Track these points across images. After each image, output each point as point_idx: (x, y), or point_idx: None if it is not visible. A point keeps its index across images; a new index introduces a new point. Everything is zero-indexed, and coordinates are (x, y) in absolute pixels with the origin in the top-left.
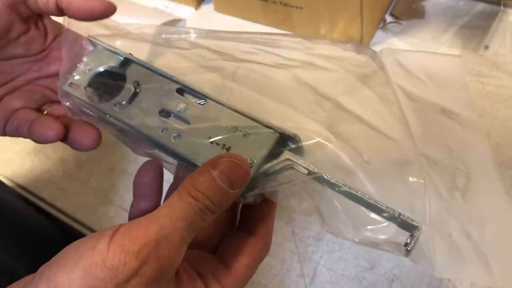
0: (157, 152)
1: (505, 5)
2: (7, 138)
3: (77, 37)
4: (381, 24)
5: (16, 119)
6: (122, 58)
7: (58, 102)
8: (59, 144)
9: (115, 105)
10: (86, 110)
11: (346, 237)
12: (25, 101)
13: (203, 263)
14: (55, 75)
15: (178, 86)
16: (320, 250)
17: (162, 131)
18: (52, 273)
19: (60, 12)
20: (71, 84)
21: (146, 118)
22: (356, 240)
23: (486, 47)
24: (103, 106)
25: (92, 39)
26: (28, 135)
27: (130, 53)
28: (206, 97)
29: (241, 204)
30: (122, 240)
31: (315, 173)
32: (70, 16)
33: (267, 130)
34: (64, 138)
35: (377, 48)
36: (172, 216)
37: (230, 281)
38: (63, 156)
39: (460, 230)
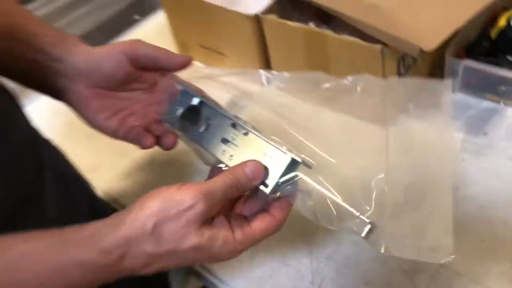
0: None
1: (504, 103)
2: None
3: (171, 80)
4: (405, 108)
5: (132, 133)
6: (198, 100)
7: (160, 121)
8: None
9: (196, 131)
10: (177, 132)
11: (330, 227)
12: (140, 120)
13: (233, 216)
14: (160, 102)
15: (232, 121)
16: (329, 267)
17: (222, 153)
18: (142, 201)
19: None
20: (168, 117)
21: (214, 143)
22: (336, 228)
23: (485, 134)
24: (188, 132)
25: (179, 83)
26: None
27: (203, 96)
28: (248, 130)
29: None
30: (186, 188)
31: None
32: (161, 70)
33: (283, 154)
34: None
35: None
36: (217, 183)
37: (249, 232)
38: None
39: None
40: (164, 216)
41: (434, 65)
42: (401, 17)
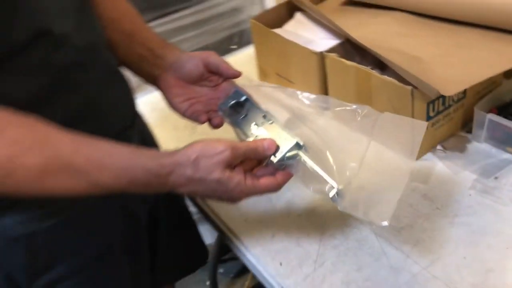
0: None
1: None
2: None
3: (230, 84)
4: (432, 148)
5: (195, 113)
6: (244, 97)
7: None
8: None
9: (238, 118)
10: (227, 119)
11: (309, 187)
12: (202, 107)
13: (249, 173)
14: (219, 97)
15: (263, 113)
16: (332, 253)
17: (252, 133)
18: (191, 144)
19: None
20: (222, 107)
21: (247, 126)
22: (313, 190)
23: (496, 178)
24: (233, 118)
25: (235, 86)
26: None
27: (249, 95)
28: (273, 120)
29: None
30: (221, 140)
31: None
32: (222, 75)
33: (292, 139)
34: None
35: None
36: (242, 144)
37: (256, 183)
38: None
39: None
40: (203, 154)
41: (467, 116)
42: (435, 68)
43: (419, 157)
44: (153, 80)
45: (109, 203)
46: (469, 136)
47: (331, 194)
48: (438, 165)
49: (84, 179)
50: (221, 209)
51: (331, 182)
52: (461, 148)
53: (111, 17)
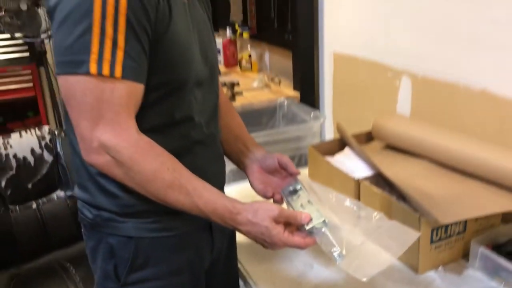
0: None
1: (504, 285)
2: None
3: (293, 177)
4: (435, 268)
5: (266, 194)
6: (299, 186)
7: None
8: None
9: (292, 199)
10: (285, 199)
11: (323, 249)
12: (271, 190)
13: (288, 229)
14: (285, 185)
15: (308, 199)
16: (320, 273)
17: (297, 205)
18: (255, 202)
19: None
20: (284, 191)
21: (297, 204)
22: (324, 250)
23: None
24: (288, 198)
25: (295, 179)
26: (265, 197)
27: (303, 185)
28: (311, 201)
29: None
30: (273, 204)
31: None
32: (287, 171)
33: (321, 217)
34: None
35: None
36: (288, 210)
37: (290, 238)
38: None
39: None
40: (262, 207)
41: (466, 249)
42: (442, 204)
43: (422, 272)
44: (243, 166)
45: (200, 237)
46: (466, 263)
47: (335, 254)
48: (437, 282)
49: (190, 200)
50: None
51: (337, 247)
52: (458, 272)
53: (226, 122)
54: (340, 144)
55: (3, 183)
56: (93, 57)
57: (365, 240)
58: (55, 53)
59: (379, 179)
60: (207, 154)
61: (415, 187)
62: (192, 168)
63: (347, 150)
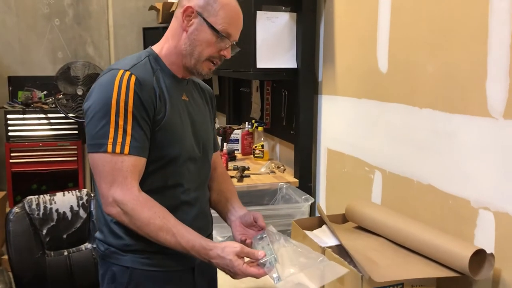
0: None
1: None
2: None
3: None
4: None
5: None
6: (264, 235)
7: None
8: None
9: (257, 244)
10: (254, 244)
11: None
12: (248, 238)
13: (247, 262)
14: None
15: (268, 243)
16: None
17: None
18: (223, 242)
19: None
20: (254, 239)
21: (260, 247)
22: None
23: None
24: (255, 243)
25: (267, 230)
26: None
27: (266, 235)
28: (271, 246)
29: None
30: (238, 243)
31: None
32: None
33: (272, 254)
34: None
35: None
36: (248, 248)
37: (248, 269)
38: None
39: None
40: (228, 245)
41: None
42: (383, 268)
43: None
44: (229, 222)
45: (183, 276)
46: None
47: (275, 277)
48: None
49: (175, 239)
50: None
51: (278, 273)
52: None
53: (220, 188)
54: (320, 221)
55: (44, 231)
56: (110, 141)
57: (299, 271)
58: (86, 138)
59: (341, 248)
60: (192, 212)
61: (366, 256)
62: (180, 221)
63: (324, 227)
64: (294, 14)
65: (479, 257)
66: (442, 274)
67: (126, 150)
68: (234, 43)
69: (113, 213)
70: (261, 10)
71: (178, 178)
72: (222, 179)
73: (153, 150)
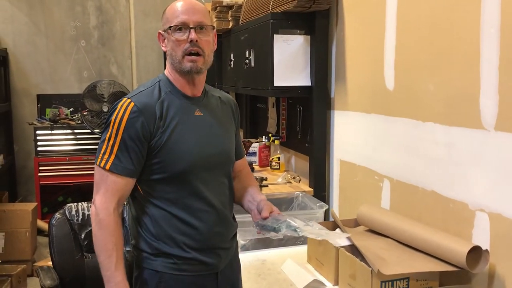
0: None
1: None
2: None
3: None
4: None
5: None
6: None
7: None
8: None
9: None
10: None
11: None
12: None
13: None
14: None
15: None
16: None
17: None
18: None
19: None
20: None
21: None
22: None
23: None
24: (259, 225)
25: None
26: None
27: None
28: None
29: None
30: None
31: None
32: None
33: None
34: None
35: None
36: None
37: None
38: None
39: None
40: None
41: None
42: (390, 263)
43: None
44: (250, 211)
45: (207, 280)
46: None
47: (295, 226)
48: None
49: (105, 263)
50: None
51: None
52: None
53: (246, 184)
54: (334, 225)
55: (83, 235)
56: (100, 156)
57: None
58: None
59: (354, 248)
60: (211, 218)
61: (376, 254)
62: (194, 226)
63: (337, 230)
64: (308, 37)
65: (476, 253)
66: (443, 268)
67: (108, 166)
68: (200, 28)
69: (91, 210)
70: (278, 33)
71: (192, 188)
72: (247, 176)
73: (158, 167)
